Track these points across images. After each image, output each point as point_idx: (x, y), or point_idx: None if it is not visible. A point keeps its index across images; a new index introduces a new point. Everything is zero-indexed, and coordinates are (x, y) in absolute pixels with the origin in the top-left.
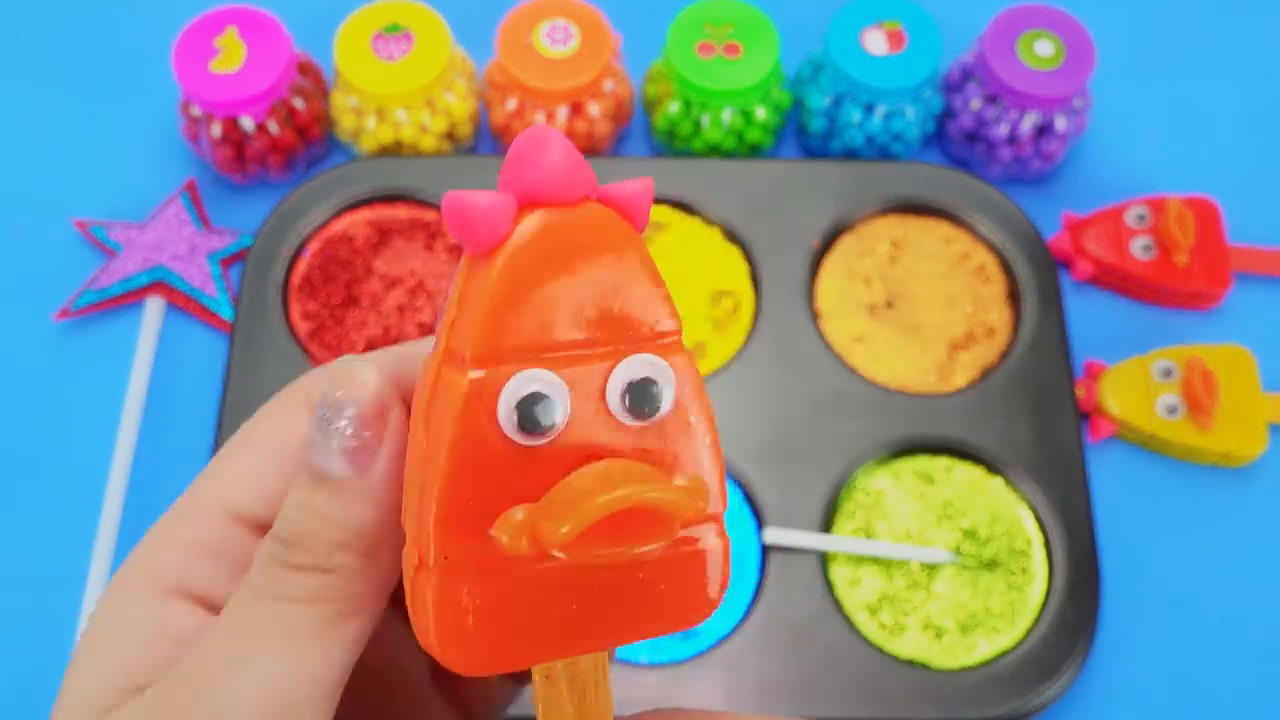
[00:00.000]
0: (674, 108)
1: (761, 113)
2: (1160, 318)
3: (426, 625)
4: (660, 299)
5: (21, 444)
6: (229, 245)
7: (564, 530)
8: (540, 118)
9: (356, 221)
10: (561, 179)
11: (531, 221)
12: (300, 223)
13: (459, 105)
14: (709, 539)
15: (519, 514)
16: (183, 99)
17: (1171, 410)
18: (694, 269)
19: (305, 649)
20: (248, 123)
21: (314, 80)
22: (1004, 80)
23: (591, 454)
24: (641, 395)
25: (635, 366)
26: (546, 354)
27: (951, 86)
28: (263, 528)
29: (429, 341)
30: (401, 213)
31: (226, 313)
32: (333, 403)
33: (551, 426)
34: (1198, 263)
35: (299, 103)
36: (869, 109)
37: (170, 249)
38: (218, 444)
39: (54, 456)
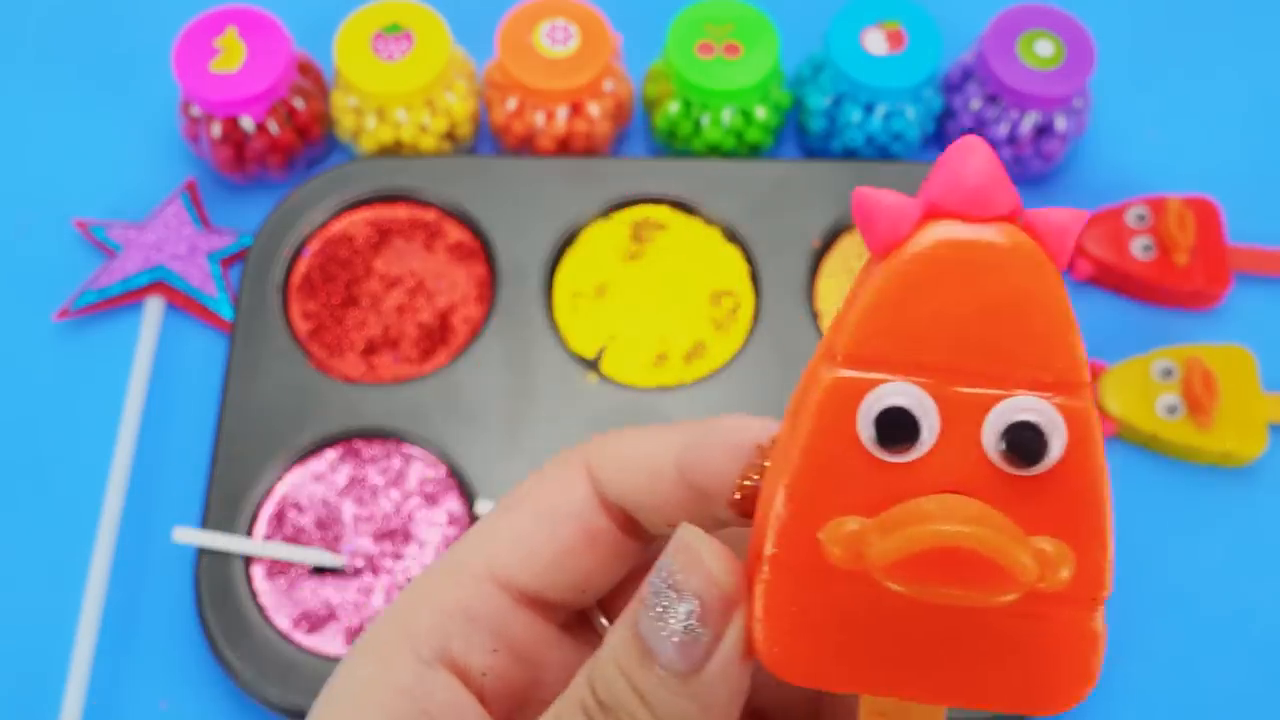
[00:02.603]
0: (674, 108)
1: (761, 113)
2: (1160, 318)
3: (753, 618)
4: (1068, 345)
5: (22, 444)
6: (229, 245)
7: (886, 547)
8: (540, 118)
9: (356, 221)
10: (975, 190)
11: (933, 229)
12: (300, 223)
13: (459, 105)
14: (1083, 623)
15: (851, 524)
16: (183, 99)
17: (1171, 410)
18: (694, 269)
19: None
20: (248, 123)
21: (314, 80)
22: (1004, 80)
23: (951, 487)
24: (1021, 441)
25: (1021, 408)
26: (923, 370)
27: (951, 86)
28: (524, 596)
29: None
30: (401, 213)
31: (226, 313)
32: (673, 584)
33: (911, 446)
34: (1198, 263)
35: (299, 103)
36: (869, 109)
37: (170, 249)
38: (218, 444)
39: (54, 456)
